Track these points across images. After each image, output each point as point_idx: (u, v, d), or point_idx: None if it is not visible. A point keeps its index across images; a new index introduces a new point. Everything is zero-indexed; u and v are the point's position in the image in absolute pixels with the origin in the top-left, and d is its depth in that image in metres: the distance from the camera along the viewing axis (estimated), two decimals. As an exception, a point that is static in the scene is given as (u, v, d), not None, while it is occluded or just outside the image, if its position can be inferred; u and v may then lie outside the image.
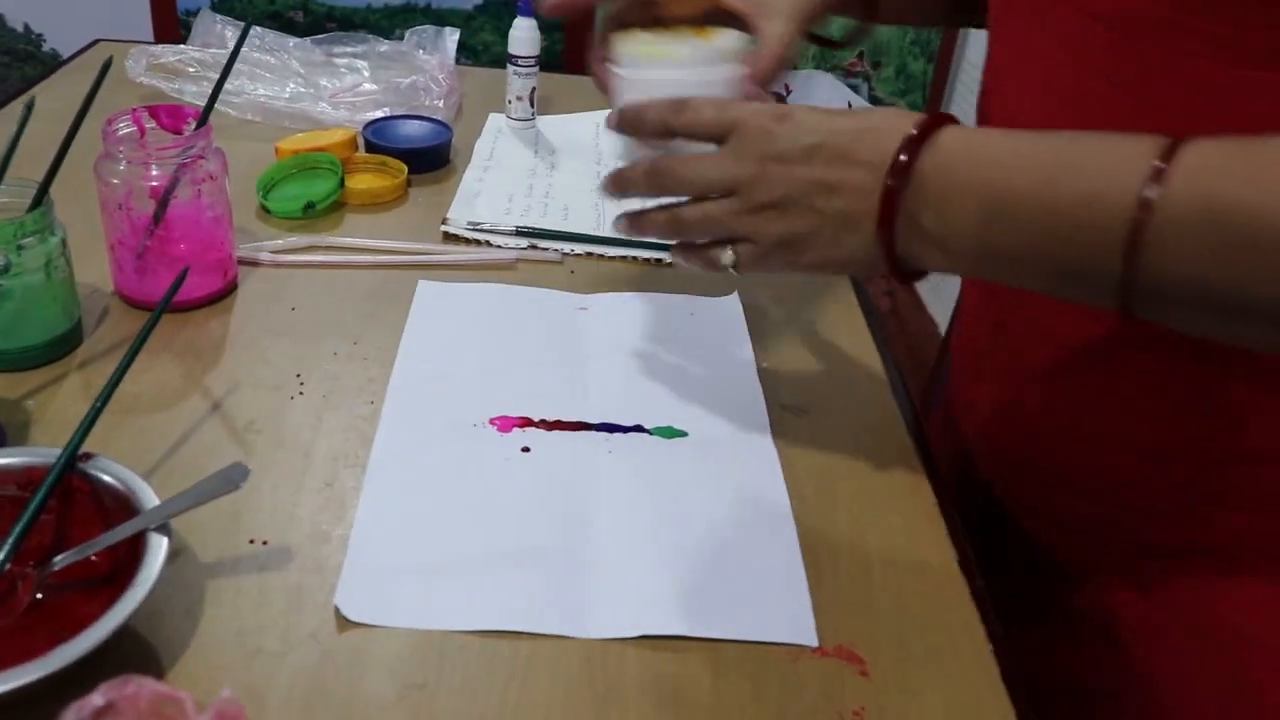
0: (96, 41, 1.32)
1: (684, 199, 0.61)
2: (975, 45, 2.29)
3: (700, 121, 0.59)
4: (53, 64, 1.28)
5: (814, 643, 0.58)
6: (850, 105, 2.33)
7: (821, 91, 2.38)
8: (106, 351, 0.76)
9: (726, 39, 0.67)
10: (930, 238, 0.53)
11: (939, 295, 2.44)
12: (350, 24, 2.33)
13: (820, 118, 0.56)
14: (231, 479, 0.55)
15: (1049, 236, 0.50)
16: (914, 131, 0.53)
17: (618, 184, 0.63)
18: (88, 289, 0.81)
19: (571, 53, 2.32)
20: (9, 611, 0.54)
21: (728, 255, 0.60)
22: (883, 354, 0.85)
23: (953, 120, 0.54)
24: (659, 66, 0.65)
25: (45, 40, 2.31)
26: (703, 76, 0.64)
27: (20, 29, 2.30)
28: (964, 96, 2.33)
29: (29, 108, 0.67)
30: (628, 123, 0.63)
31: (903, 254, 0.55)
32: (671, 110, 0.60)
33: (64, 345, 0.75)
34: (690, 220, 0.60)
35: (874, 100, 2.40)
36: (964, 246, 0.53)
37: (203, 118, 0.79)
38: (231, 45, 1.13)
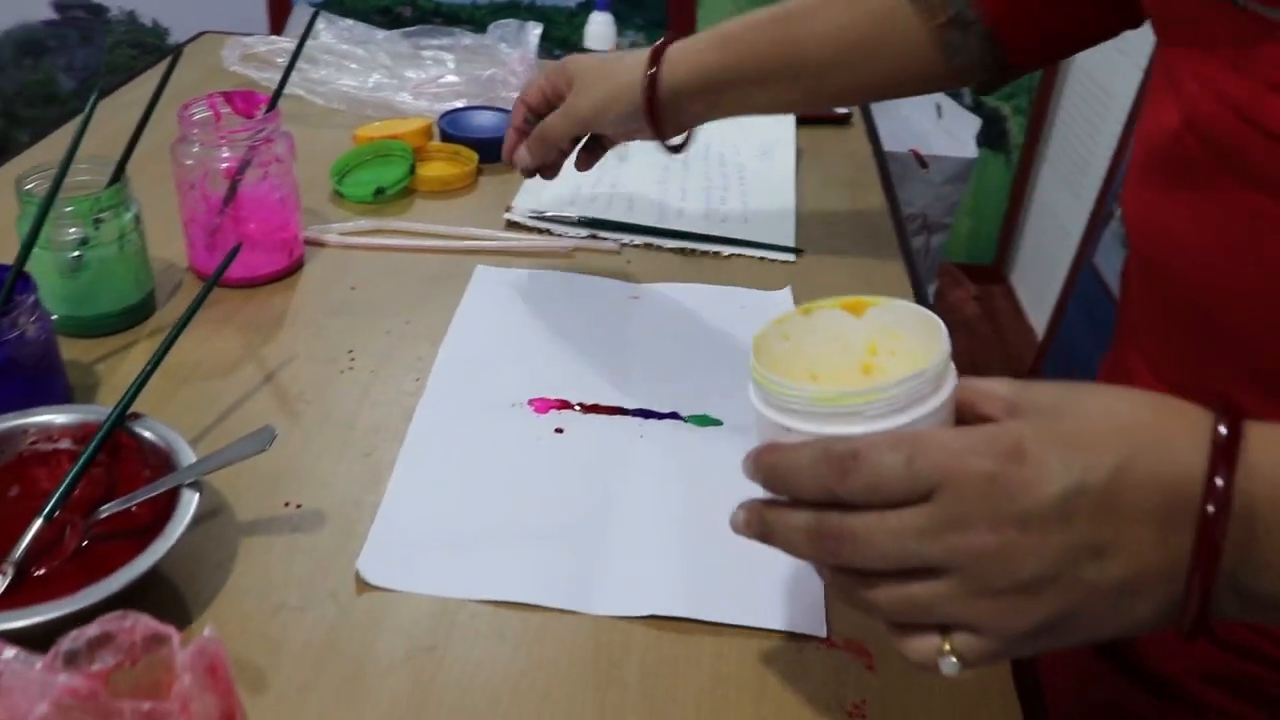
0: (201, 34, 1.39)
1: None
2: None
3: (883, 483, 0.39)
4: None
5: (822, 633, 0.58)
6: (939, 108, 2.28)
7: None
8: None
9: (914, 320, 0.46)
10: (1241, 592, 0.38)
11: (1038, 299, 2.38)
12: (455, 19, 2.39)
13: (1065, 450, 0.38)
14: (260, 441, 0.58)
15: None
16: (1223, 433, 0.37)
17: (762, 529, 0.45)
18: (164, 264, 0.86)
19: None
20: (57, 556, 0.58)
21: (949, 664, 0.41)
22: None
23: (1239, 411, 0.39)
24: (811, 416, 0.43)
25: (170, 34, 2.43)
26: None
27: (149, 24, 2.42)
28: (1073, 104, 2.26)
29: (98, 95, 0.72)
30: (774, 483, 0.44)
31: (1216, 612, 0.39)
32: (832, 467, 0.41)
33: (136, 315, 0.79)
34: (884, 604, 0.42)
35: (976, 105, 2.35)
36: (1276, 600, 0.38)
37: (271, 102, 0.82)
38: (324, 37, 1.18)
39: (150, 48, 2.44)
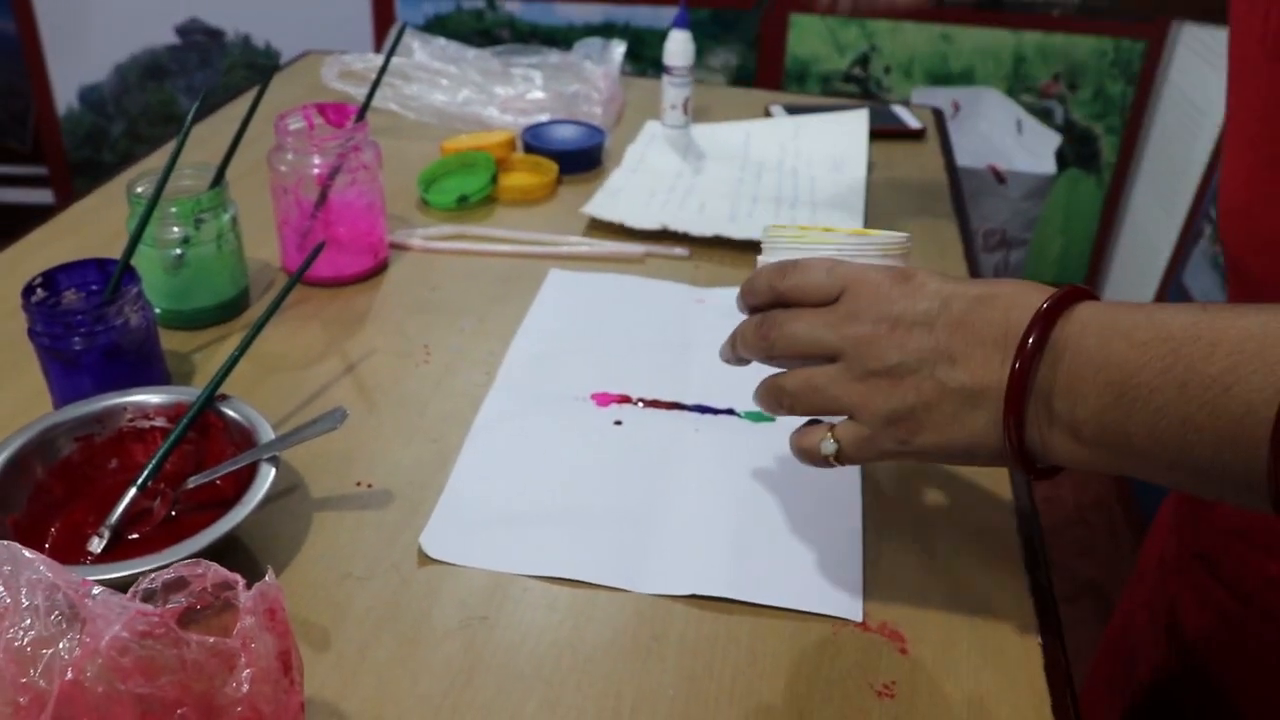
0: (306, 53, 1.47)
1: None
2: (1179, 67, 2.19)
3: (808, 282, 0.53)
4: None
5: (858, 618, 0.60)
6: (1019, 124, 2.26)
7: (989, 109, 2.32)
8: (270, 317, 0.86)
9: (887, 235, 0.58)
10: (1061, 423, 0.47)
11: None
12: (551, 41, 2.46)
13: (944, 283, 0.51)
14: (332, 420, 0.62)
15: (1186, 425, 0.42)
16: (1045, 305, 0.47)
17: (728, 347, 0.60)
18: (260, 264, 0.92)
19: (763, 71, 2.36)
20: (149, 522, 0.63)
21: (828, 444, 0.53)
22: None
23: (1090, 295, 0.48)
24: (802, 250, 0.57)
25: (282, 56, 2.55)
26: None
27: (262, 46, 2.55)
28: (1165, 122, 2.22)
29: (203, 99, 0.78)
30: (743, 292, 0.58)
31: (1030, 442, 0.48)
32: (778, 271, 0.55)
33: (231, 310, 0.85)
34: (790, 388, 0.54)
35: (1068, 124, 2.32)
36: (1097, 434, 0.46)
37: (360, 113, 0.88)
38: (417, 55, 1.25)
39: (263, 69, 2.57)
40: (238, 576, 0.44)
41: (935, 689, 0.56)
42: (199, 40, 2.53)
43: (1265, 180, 0.57)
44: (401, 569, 0.62)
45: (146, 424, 0.67)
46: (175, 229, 0.81)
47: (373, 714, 0.53)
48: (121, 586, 0.51)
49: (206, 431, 0.67)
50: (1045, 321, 0.47)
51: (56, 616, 0.41)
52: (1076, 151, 2.38)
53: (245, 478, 0.63)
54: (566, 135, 1.17)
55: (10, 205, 2.69)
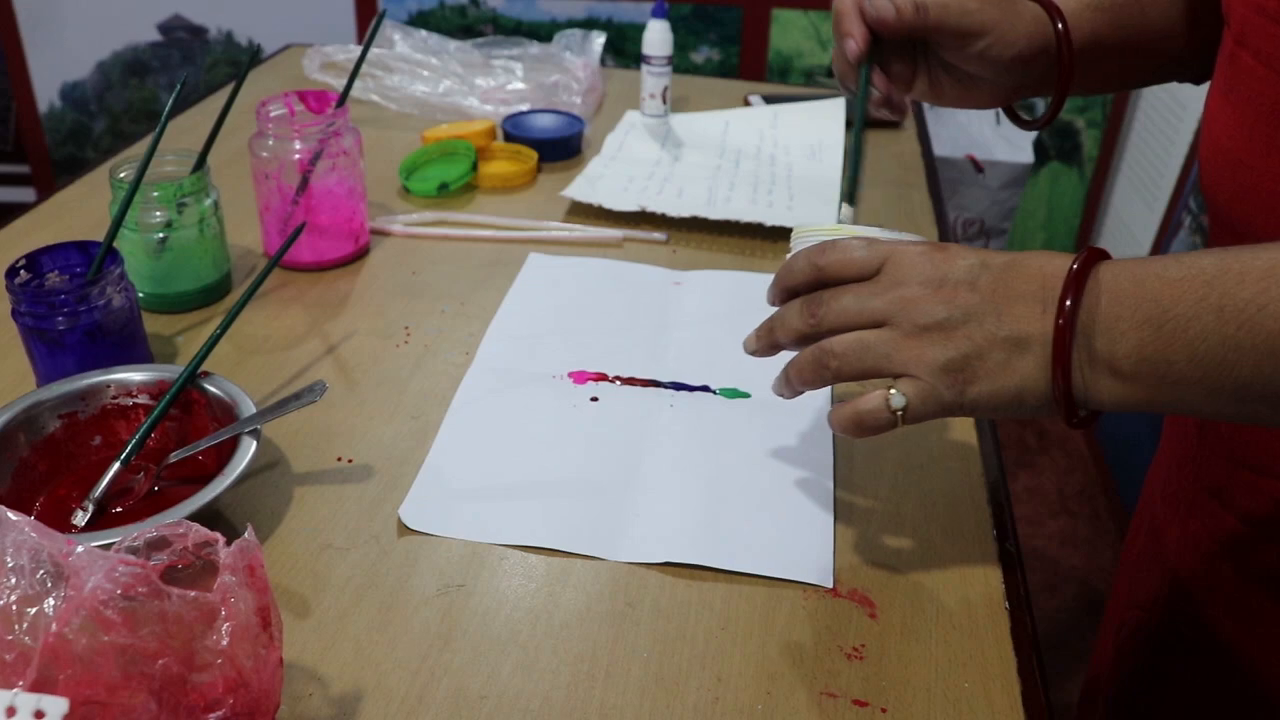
0: (288, 45, 1.48)
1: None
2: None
3: (850, 258, 0.54)
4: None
5: (829, 584, 0.61)
6: (998, 114, 2.28)
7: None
8: (252, 301, 0.87)
9: (906, 235, 0.61)
10: (1103, 362, 0.49)
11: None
12: (535, 36, 2.47)
13: (976, 251, 0.54)
14: (313, 394, 0.63)
15: (1226, 345, 0.46)
16: (1077, 261, 0.50)
17: (765, 333, 0.59)
18: (242, 250, 0.93)
19: (746, 66, 2.38)
20: (133, 496, 0.64)
21: (897, 398, 0.52)
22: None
23: (1105, 254, 0.51)
24: (820, 238, 0.60)
25: (264, 50, 2.55)
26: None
27: (244, 43, 2.55)
28: (1147, 116, 2.24)
29: (183, 83, 0.79)
30: (780, 277, 0.58)
31: (1075, 386, 0.51)
32: (817, 251, 0.56)
33: (213, 294, 0.86)
34: (839, 350, 0.53)
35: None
36: (1138, 367, 0.49)
37: (341, 99, 0.89)
38: (399, 47, 1.26)
39: (242, 64, 2.57)
40: (218, 535, 0.45)
41: (903, 652, 0.58)
42: (181, 37, 2.54)
43: (1257, 130, 0.59)
44: (381, 540, 0.63)
45: (130, 401, 0.68)
46: (158, 213, 0.81)
47: (352, 677, 0.54)
48: (105, 553, 0.52)
49: (189, 408, 0.68)
50: (1081, 270, 0.50)
51: (42, 575, 0.43)
52: (1058, 145, 2.40)
53: (227, 452, 0.64)
54: (546, 124, 1.18)
55: (-8, 203, 2.69)
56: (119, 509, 0.63)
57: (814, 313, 0.55)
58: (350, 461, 0.69)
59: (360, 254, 0.93)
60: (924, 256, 0.53)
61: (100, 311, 0.70)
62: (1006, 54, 0.67)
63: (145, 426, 0.65)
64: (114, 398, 0.68)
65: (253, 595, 0.44)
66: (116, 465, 0.64)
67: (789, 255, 0.60)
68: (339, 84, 1.27)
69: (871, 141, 1.25)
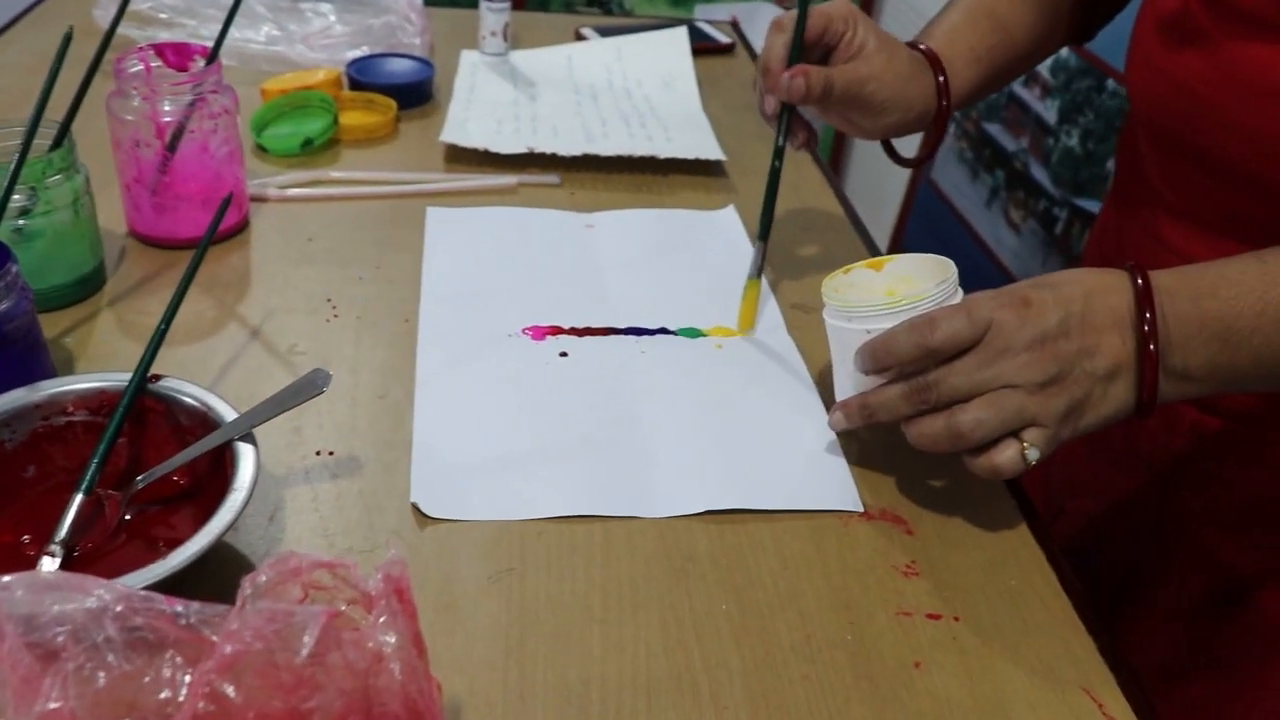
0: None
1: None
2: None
3: (958, 334, 0.57)
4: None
5: (860, 508, 0.62)
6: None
7: (765, 21, 2.39)
8: (134, 288, 0.77)
9: (937, 265, 0.65)
10: (1176, 374, 0.57)
11: (875, 216, 2.49)
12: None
13: (1051, 294, 0.58)
14: (314, 383, 0.57)
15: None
16: (1135, 291, 0.57)
17: (863, 414, 0.62)
18: (102, 231, 0.81)
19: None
20: (101, 531, 0.55)
21: (1033, 452, 0.57)
22: (866, 241, 0.92)
23: (1142, 271, 0.58)
24: (885, 316, 0.61)
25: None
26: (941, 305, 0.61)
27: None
28: (889, 25, 2.36)
29: (67, 39, 0.67)
30: (880, 358, 0.60)
31: (1158, 397, 0.58)
32: (922, 330, 0.58)
33: (91, 284, 0.75)
34: (972, 420, 0.57)
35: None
36: (1208, 373, 0.57)
37: (212, 54, 0.79)
38: (198, -10, 1.13)
39: None
40: (350, 561, 0.40)
41: (950, 562, 0.60)
42: None
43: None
44: (404, 534, 0.58)
45: (64, 420, 0.59)
46: (14, 197, 0.70)
47: (446, 692, 0.50)
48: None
49: (142, 419, 0.59)
50: (1147, 302, 0.57)
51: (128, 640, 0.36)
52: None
53: (201, 464, 0.56)
54: (394, 69, 1.10)
55: None
56: (89, 544, 0.55)
57: (926, 399, 0.59)
58: (332, 454, 0.63)
59: (242, 225, 0.84)
60: (1018, 318, 0.57)
61: (2, 319, 0.60)
62: (902, 119, 0.76)
63: (104, 445, 0.56)
64: (45, 419, 0.58)
65: (406, 622, 0.39)
66: (80, 496, 0.55)
67: (831, 321, 0.64)
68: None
69: (711, 69, 1.25)
